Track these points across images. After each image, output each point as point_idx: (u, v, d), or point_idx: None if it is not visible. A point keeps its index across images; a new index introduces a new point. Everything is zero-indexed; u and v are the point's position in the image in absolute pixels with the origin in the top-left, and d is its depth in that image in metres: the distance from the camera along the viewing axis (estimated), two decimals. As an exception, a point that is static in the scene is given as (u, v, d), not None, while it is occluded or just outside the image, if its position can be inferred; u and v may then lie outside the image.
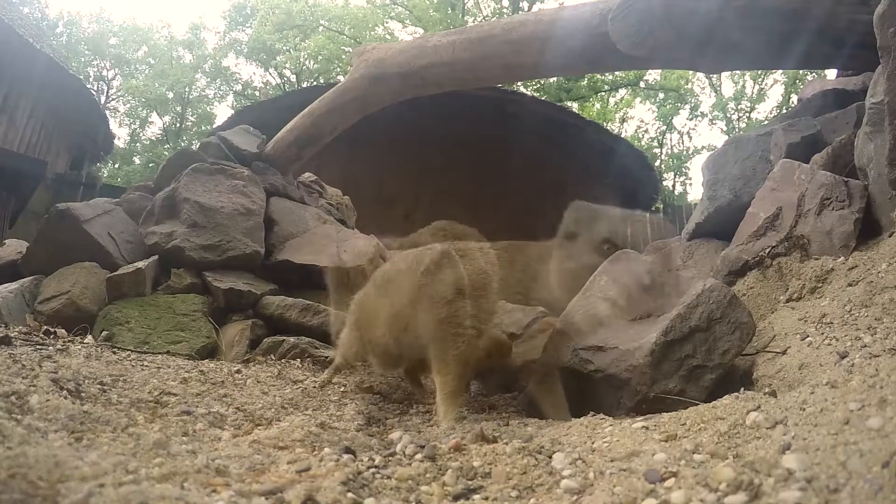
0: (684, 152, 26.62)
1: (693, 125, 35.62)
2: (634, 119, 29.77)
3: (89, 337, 2.91)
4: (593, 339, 1.86)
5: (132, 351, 2.66)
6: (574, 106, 19.46)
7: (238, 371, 2.39)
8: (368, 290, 2.20)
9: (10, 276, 3.44)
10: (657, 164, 23.04)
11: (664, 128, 25.57)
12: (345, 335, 2.34)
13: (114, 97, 26.87)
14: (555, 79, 17.71)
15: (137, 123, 28.08)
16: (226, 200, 3.69)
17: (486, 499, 0.96)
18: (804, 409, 1.06)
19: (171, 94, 26.02)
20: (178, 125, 27.32)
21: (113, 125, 20.55)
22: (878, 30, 2.02)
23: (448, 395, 1.68)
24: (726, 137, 8.91)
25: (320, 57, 22.14)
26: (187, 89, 26.48)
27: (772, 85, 23.31)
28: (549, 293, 1.61)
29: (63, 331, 2.84)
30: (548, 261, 1.72)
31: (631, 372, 1.70)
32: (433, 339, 1.82)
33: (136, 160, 27.02)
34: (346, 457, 1.11)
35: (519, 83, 15.64)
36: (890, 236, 2.02)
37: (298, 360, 2.92)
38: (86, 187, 10.35)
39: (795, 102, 5.16)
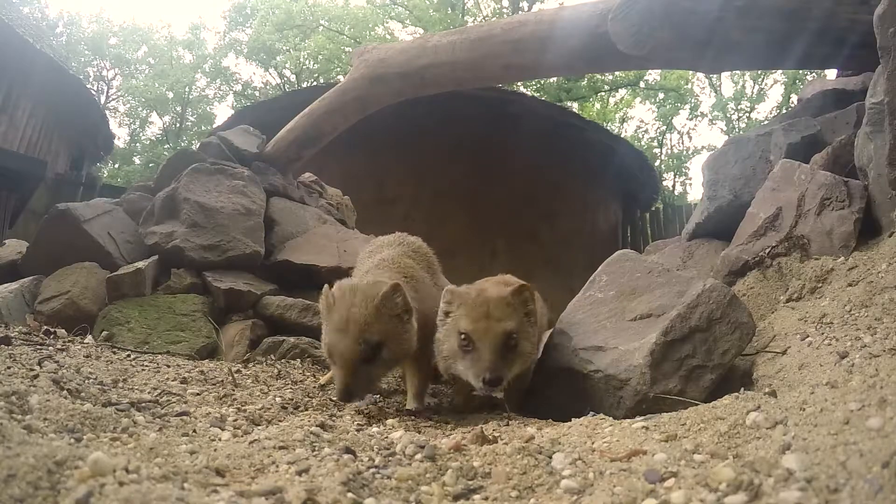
0: (684, 152, 26.63)
1: (693, 125, 35.59)
2: (634, 119, 29.68)
3: (89, 337, 2.91)
4: (593, 339, 1.86)
5: (132, 351, 2.66)
6: (574, 106, 19.45)
7: (238, 371, 2.39)
8: None
9: (10, 276, 3.44)
10: (657, 164, 23.03)
11: (664, 128, 25.56)
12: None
13: (114, 97, 26.89)
14: (555, 79, 17.69)
15: (137, 123, 28.11)
16: (226, 200, 3.69)
17: (486, 499, 0.96)
18: (804, 409, 1.06)
19: (171, 94, 26.02)
20: (178, 125, 27.32)
21: (113, 125, 20.55)
22: (878, 30, 2.02)
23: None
24: (726, 137, 8.92)
25: (320, 57, 22.14)
26: (187, 89, 26.49)
27: (772, 85, 23.30)
28: None
29: (63, 331, 2.84)
30: None
31: (631, 372, 1.70)
32: None
33: (136, 160, 27.02)
34: (346, 457, 1.11)
35: (519, 83, 15.63)
36: (890, 236, 2.02)
37: (298, 360, 2.92)
38: (86, 187, 10.35)
39: (795, 102, 5.17)
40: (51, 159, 10.84)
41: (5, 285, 3.25)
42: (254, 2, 25.04)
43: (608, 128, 15.38)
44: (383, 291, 1.76)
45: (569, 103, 18.81)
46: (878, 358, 1.34)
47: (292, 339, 3.02)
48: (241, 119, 6.94)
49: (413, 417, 1.82)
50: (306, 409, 1.79)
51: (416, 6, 20.79)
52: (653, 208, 11.90)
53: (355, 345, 1.70)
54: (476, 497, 0.97)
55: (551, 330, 2.08)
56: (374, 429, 1.48)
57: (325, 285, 1.85)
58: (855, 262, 1.99)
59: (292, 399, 1.90)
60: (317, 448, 1.19)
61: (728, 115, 24.77)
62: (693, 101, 25.05)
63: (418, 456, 1.12)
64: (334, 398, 1.88)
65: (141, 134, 28.38)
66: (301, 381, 2.38)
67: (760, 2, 2.63)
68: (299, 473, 0.99)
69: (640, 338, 1.76)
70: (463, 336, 1.75)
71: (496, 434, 1.39)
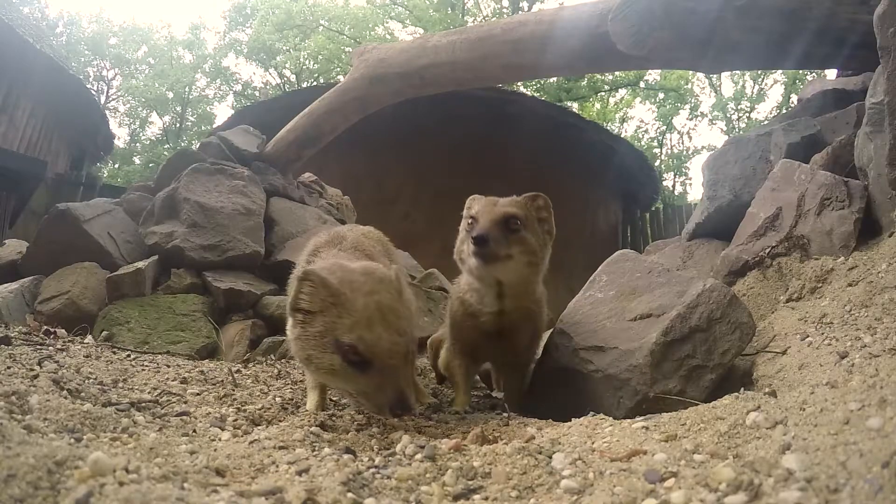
0: (684, 152, 26.64)
1: (693, 125, 35.70)
2: (634, 119, 29.75)
3: (89, 337, 2.91)
4: (593, 339, 1.86)
5: (132, 351, 2.66)
6: (574, 106, 19.46)
7: (238, 371, 2.39)
8: None
9: (10, 276, 3.45)
10: (657, 164, 23.03)
11: (664, 128, 25.57)
12: None
13: (114, 97, 26.90)
14: (555, 79, 17.70)
15: (137, 123, 28.13)
16: (226, 200, 3.69)
17: (486, 499, 0.96)
18: (804, 409, 1.06)
19: (171, 94, 26.03)
20: (178, 125, 27.33)
21: (113, 125, 20.55)
22: (878, 30, 2.02)
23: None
24: (726, 137, 8.92)
25: (320, 57, 22.14)
26: (187, 89, 26.49)
27: (772, 85, 23.32)
28: None
29: (63, 331, 2.85)
30: None
31: (631, 372, 1.70)
32: None
33: (136, 160, 27.03)
34: (346, 457, 1.11)
35: (519, 83, 15.63)
36: (890, 236, 2.02)
37: (298, 360, 2.92)
38: (86, 187, 10.35)
39: (795, 102, 5.17)
40: (51, 159, 10.85)
41: (5, 285, 3.26)
42: (254, 2, 25.05)
43: (608, 128, 15.39)
44: (396, 276, 1.45)
45: (569, 103, 18.82)
46: (878, 358, 1.34)
47: (292, 339, 3.02)
48: (241, 119, 6.95)
49: (413, 417, 1.81)
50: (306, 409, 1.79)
51: (416, 6, 20.80)
52: (653, 208, 11.91)
53: (401, 338, 1.35)
54: (476, 497, 0.97)
55: (551, 330, 2.08)
56: (374, 429, 1.48)
57: (306, 271, 1.45)
58: (855, 262, 1.99)
59: (292, 399, 1.90)
60: (317, 448, 1.19)
61: (728, 115, 24.80)
62: (693, 101, 25.10)
63: (418, 456, 1.12)
64: (397, 412, 1.36)
65: (141, 134, 28.43)
66: (301, 381, 2.38)
67: (760, 2, 2.63)
68: (299, 473, 0.99)
69: (640, 338, 1.76)
70: (470, 220, 1.84)
71: (496, 434, 1.39)
